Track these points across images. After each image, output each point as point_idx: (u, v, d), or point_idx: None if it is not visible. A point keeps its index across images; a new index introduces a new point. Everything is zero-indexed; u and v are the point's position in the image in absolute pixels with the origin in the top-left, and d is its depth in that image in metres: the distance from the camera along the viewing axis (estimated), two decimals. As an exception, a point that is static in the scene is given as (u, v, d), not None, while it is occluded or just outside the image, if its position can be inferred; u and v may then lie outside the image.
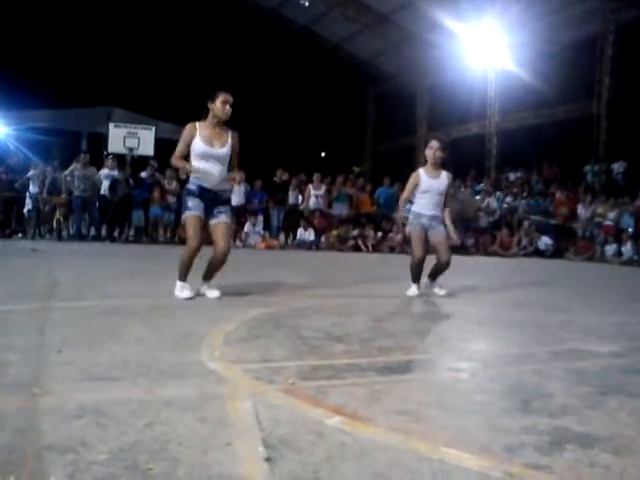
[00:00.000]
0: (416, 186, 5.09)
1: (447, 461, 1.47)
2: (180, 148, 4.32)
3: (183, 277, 4.38)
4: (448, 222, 5.15)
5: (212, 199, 4.33)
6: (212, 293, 4.43)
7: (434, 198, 5.06)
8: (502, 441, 1.62)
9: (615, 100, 15.10)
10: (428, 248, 5.10)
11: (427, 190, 5.04)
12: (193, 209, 4.29)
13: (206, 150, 4.26)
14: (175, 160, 4.34)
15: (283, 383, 2.11)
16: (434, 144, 5.07)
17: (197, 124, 4.32)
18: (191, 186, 4.34)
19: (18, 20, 18.77)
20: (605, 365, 2.65)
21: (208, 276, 4.52)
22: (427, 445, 1.57)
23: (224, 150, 4.32)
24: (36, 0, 18.60)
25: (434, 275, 5.21)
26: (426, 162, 5.14)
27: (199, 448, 1.48)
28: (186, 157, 4.35)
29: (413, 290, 5.07)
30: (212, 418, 1.70)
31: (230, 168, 4.42)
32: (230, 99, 4.30)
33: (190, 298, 4.26)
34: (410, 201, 5.32)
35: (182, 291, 4.32)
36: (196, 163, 4.27)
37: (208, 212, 4.35)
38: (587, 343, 3.16)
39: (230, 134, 4.38)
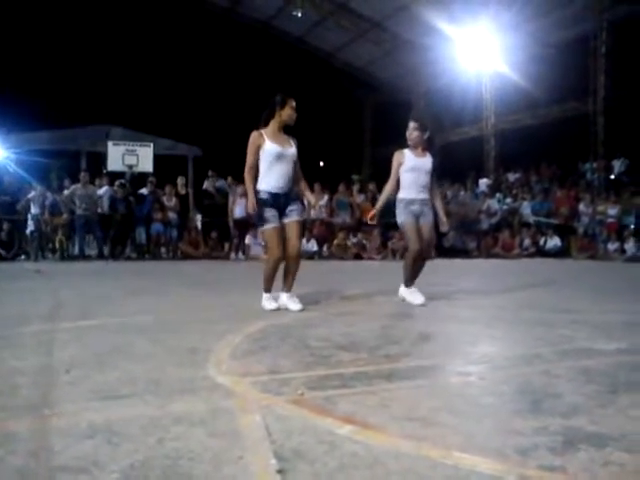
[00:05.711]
0: (400, 165, 4.89)
1: (461, 466, 1.46)
2: (250, 159, 4.37)
3: (268, 289, 4.46)
4: (438, 205, 5.01)
5: (284, 202, 4.40)
6: (295, 305, 4.38)
7: (422, 178, 4.87)
8: (515, 443, 1.61)
9: (611, 97, 15.15)
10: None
11: (414, 168, 4.85)
12: (271, 221, 4.34)
13: (280, 151, 4.32)
14: (247, 176, 4.39)
15: (292, 394, 2.10)
16: (410, 124, 4.93)
17: (262, 131, 4.36)
18: (263, 195, 4.35)
19: (14, 42, 18.91)
20: (613, 363, 2.64)
21: (287, 284, 4.48)
22: (440, 451, 1.56)
23: (292, 150, 4.42)
24: (31, 21, 18.76)
25: (414, 276, 4.96)
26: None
27: (211, 463, 1.48)
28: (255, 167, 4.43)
29: (419, 297, 4.81)
30: (222, 432, 1.70)
31: (296, 179, 4.51)
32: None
33: (276, 309, 4.36)
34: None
35: (270, 303, 4.42)
36: (267, 166, 4.32)
37: (281, 214, 4.40)
38: (594, 341, 3.15)
39: (290, 138, 4.47)
